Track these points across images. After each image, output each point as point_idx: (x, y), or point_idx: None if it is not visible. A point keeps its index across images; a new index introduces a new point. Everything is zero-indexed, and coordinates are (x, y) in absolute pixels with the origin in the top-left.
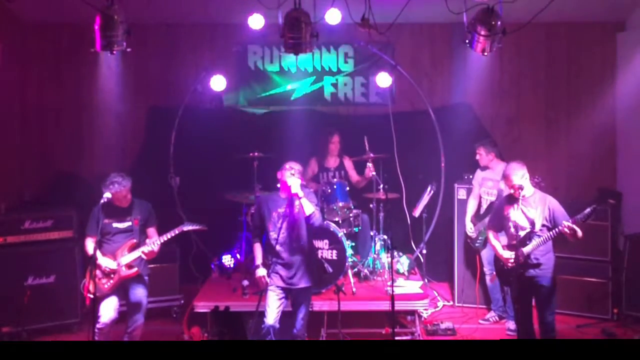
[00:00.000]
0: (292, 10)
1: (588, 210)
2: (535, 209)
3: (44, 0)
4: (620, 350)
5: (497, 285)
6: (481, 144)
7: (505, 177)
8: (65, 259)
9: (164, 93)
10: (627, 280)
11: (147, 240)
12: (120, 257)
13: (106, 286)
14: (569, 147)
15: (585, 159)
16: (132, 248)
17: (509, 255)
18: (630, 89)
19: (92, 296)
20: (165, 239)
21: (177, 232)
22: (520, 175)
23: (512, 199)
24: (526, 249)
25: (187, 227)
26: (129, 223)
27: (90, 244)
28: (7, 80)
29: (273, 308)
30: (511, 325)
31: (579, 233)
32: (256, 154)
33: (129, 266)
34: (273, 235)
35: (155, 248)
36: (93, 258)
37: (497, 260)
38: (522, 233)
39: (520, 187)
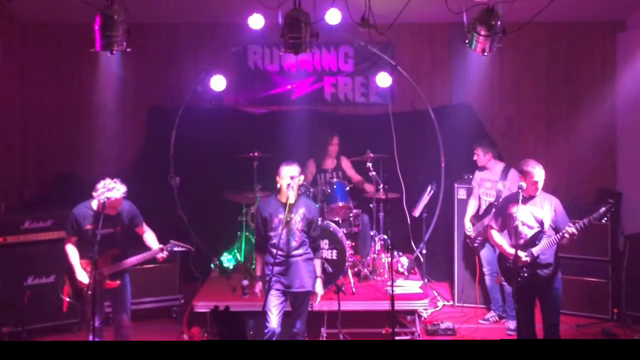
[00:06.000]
0: (292, 10)
1: (603, 209)
2: (542, 208)
3: (44, 0)
4: (620, 350)
5: (497, 285)
6: (479, 144)
7: (527, 173)
8: (65, 259)
9: (164, 93)
10: (627, 280)
11: (151, 242)
12: (102, 267)
13: (89, 292)
14: (569, 147)
15: (585, 159)
16: (114, 257)
17: (521, 253)
18: (630, 89)
19: (69, 300)
20: (148, 256)
21: (159, 253)
22: (542, 175)
23: (517, 198)
24: (535, 250)
25: (176, 248)
26: (112, 230)
27: (72, 251)
28: (7, 80)
29: (275, 312)
30: (511, 325)
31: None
32: (256, 154)
33: (112, 276)
34: (273, 239)
35: (165, 254)
36: (71, 270)
37: (502, 259)
38: (529, 232)
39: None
